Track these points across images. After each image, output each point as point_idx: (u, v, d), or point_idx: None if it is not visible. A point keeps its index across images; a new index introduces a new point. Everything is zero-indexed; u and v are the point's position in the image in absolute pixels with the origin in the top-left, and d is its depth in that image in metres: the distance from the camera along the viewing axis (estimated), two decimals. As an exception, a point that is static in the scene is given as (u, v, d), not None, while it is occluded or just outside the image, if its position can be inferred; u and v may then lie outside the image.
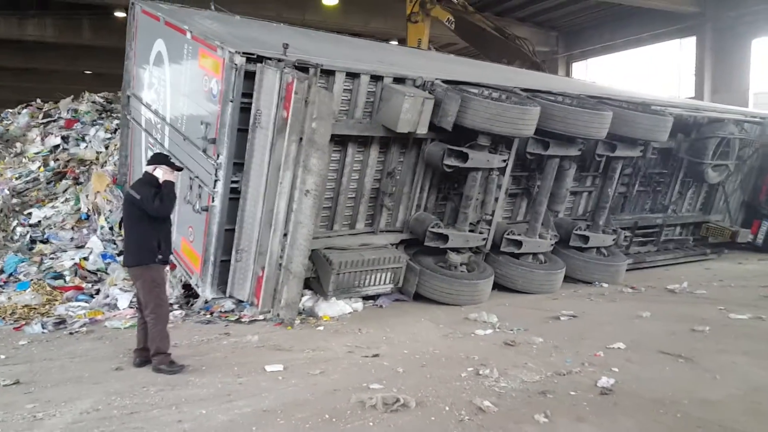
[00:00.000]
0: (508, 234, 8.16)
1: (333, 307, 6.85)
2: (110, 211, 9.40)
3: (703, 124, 10.25)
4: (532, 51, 15.25)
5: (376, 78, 7.13)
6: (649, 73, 27.48)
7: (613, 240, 9.17)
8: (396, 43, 18.84)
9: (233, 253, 6.65)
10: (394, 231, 7.84)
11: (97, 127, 12.33)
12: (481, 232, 7.90)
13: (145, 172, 5.35)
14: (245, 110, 6.46)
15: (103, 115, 12.92)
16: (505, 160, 7.61)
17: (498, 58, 14.66)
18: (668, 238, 11.10)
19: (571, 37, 26.75)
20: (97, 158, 11.36)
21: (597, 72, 27.91)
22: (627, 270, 9.43)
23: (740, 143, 10.66)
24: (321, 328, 6.39)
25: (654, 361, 5.35)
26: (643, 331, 6.27)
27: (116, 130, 11.63)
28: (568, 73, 27.03)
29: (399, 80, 7.22)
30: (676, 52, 24.61)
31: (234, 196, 6.61)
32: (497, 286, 8.04)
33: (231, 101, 6.38)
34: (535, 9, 22.83)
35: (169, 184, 5.20)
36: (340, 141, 7.11)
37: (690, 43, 23.27)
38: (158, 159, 5.43)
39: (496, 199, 8.00)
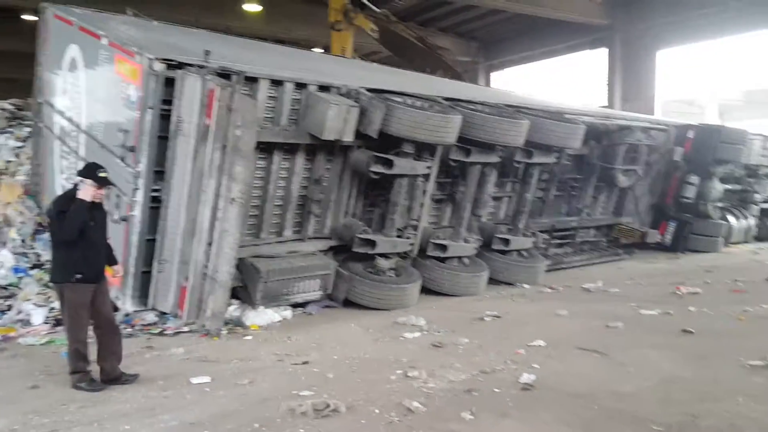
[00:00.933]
0: (434, 239, 8.34)
1: (261, 316, 6.78)
2: (22, 222, 8.93)
3: (614, 131, 10.83)
4: (453, 61, 15.65)
5: (300, 86, 7.16)
6: (566, 82, 28.70)
7: (533, 243, 9.53)
8: (321, 50, 18.87)
9: (155, 263, 6.49)
10: (323, 238, 7.86)
11: (7, 135, 11.67)
12: (408, 238, 8.04)
13: (74, 183, 5.02)
14: (165, 117, 6.34)
15: (13, 123, 12.24)
16: (429, 167, 7.79)
17: (421, 67, 14.95)
18: (584, 240, 11.63)
19: (491, 47, 27.61)
20: (7, 168, 10.77)
21: (517, 80, 28.92)
22: (546, 271, 9.83)
23: (648, 149, 11.33)
24: (249, 337, 6.32)
25: (572, 356, 5.61)
26: (562, 329, 6.56)
27: (27, 138, 11.07)
28: (488, 82, 27.87)
29: (324, 88, 7.27)
30: (591, 62, 25.85)
31: (155, 205, 6.45)
32: (425, 290, 8.19)
33: (150, 108, 6.24)
34: (457, 20, 23.47)
35: (79, 205, 4.74)
36: (265, 148, 7.07)
37: (603, 53, 24.52)
38: (85, 171, 4.97)
39: (422, 205, 8.17)
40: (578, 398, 4.60)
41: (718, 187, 12.43)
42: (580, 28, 22.52)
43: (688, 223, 12.25)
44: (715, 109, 39.82)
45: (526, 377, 4.96)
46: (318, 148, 7.36)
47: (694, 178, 12.22)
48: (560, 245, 11.21)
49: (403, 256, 8.19)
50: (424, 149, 7.66)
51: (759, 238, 13.96)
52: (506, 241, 9.18)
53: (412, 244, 8.07)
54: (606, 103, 23.72)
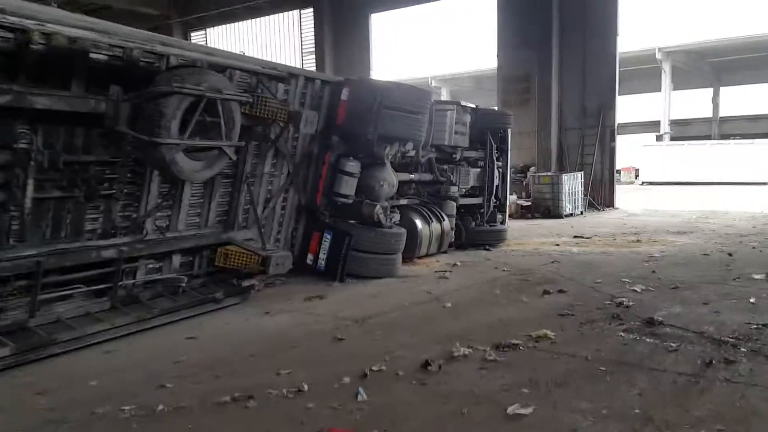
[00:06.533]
0: None
1: None
2: None
3: (161, 71, 5.18)
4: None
5: None
6: (276, 47, 23.46)
7: None
8: None
9: None
10: None
11: None
12: None
13: None
14: None
15: None
16: None
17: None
18: (152, 278, 6.00)
19: (185, 1, 21.40)
20: None
21: (224, 44, 22.93)
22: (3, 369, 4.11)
23: (247, 109, 5.90)
24: None
25: None
26: None
27: None
28: (184, 43, 21.62)
29: None
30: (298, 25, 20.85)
31: None
32: None
33: None
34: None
35: None
36: None
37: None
38: None
39: None
40: None
41: (389, 179, 7.66)
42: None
43: (348, 235, 7.32)
44: (447, 94, 38.02)
45: None
46: None
47: (353, 165, 7.28)
48: (90, 297, 5.41)
49: None
50: None
51: (459, 246, 9.73)
52: None
53: None
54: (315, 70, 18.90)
